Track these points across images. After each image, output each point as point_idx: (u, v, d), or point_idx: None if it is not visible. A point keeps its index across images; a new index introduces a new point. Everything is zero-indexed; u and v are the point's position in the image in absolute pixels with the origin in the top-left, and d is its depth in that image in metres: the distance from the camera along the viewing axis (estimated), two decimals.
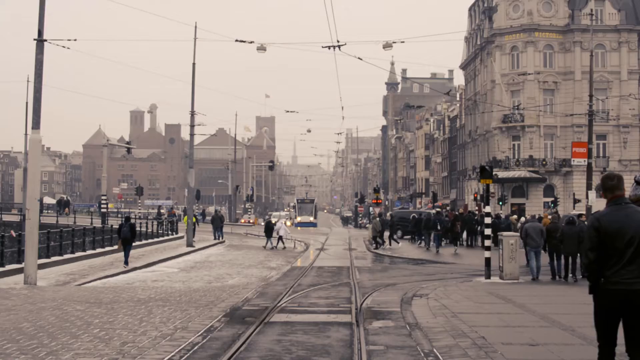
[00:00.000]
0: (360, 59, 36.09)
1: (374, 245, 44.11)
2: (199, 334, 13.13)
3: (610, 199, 7.82)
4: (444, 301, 17.63)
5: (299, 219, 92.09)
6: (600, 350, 7.72)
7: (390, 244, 44.74)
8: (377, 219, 45.76)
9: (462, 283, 23.08)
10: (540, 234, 24.60)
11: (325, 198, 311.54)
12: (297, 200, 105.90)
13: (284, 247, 45.26)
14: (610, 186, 7.88)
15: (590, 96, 46.62)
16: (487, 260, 23.66)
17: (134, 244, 33.14)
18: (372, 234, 44.54)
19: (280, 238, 45.80)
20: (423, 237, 44.33)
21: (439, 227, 41.81)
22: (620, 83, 70.81)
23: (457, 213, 50.03)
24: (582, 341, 12.04)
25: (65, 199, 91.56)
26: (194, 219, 48.24)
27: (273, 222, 50.25)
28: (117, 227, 33.02)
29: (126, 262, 30.15)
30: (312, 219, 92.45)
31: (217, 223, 52.90)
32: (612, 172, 9.56)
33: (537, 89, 71.45)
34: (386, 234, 45.74)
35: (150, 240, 45.99)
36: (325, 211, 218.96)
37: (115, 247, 35.18)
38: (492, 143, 74.75)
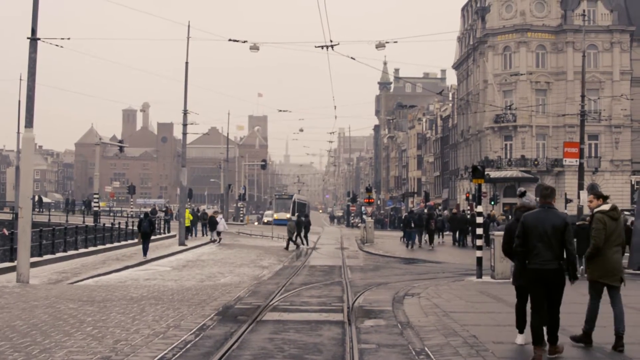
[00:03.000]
0: (353, 59, 36.18)
1: (287, 245, 44.29)
2: (192, 332, 13.16)
3: (542, 203, 10.69)
4: (435, 300, 17.69)
5: (275, 215, 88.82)
6: (533, 318, 10.42)
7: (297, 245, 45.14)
8: (292, 221, 46.49)
9: (453, 282, 23.14)
10: None
11: (318, 197, 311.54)
12: (275, 195, 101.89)
13: (220, 240, 49.09)
14: (544, 194, 10.79)
15: (582, 96, 46.76)
16: (479, 260, 23.75)
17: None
18: (288, 235, 44.89)
19: (218, 233, 49.80)
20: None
21: (412, 225, 44.29)
22: (612, 83, 71.04)
23: (432, 212, 50.96)
24: (573, 341, 12.10)
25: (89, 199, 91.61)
26: (190, 217, 51.00)
27: (217, 218, 53.02)
28: (137, 222, 37.50)
29: (145, 254, 33.94)
30: (289, 215, 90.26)
31: (194, 221, 54.98)
32: (548, 185, 13.86)
33: (530, 89, 71.64)
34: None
35: None
36: (320, 211, 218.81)
37: (110, 244, 38.34)
38: (484, 143, 74.90)
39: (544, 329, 10.49)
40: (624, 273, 11.48)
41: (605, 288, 11.32)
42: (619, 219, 11.31)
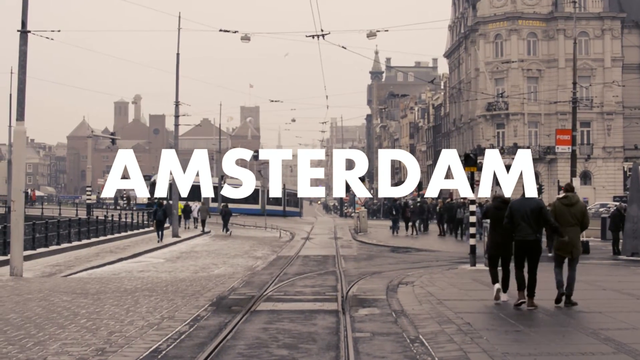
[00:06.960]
0: (345, 48, 36.14)
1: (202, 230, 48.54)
2: (186, 323, 13.16)
3: (523, 194, 14.35)
4: (429, 288, 17.70)
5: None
6: (516, 272, 14.32)
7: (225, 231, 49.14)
8: (204, 205, 50.69)
9: (447, 270, 23.14)
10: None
11: None
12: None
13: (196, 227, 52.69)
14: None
15: (574, 84, 46.59)
16: (472, 248, 23.76)
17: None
18: (201, 217, 49.40)
19: (194, 219, 53.86)
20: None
21: (393, 213, 46.53)
22: (604, 70, 71.14)
23: (407, 200, 51.88)
24: (566, 327, 12.13)
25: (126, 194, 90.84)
26: (182, 207, 52.01)
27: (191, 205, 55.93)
28: (153, 211, 41.71)
29: (159, 239, 38.53)
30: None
31: (185, 212, 55.77)
32: None
33: (521, 76, 71.69)
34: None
35: (136, 231, 45.97)
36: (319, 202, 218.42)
37: (103, 237, 39.26)
38: (476, 131, 74.96)
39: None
40: (577, 248, 14.44)
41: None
42: (573, 205, 14.36)
